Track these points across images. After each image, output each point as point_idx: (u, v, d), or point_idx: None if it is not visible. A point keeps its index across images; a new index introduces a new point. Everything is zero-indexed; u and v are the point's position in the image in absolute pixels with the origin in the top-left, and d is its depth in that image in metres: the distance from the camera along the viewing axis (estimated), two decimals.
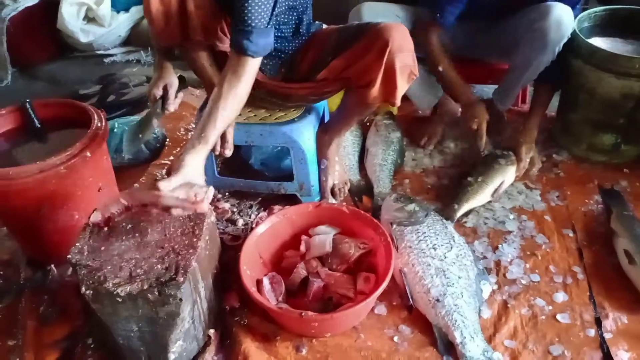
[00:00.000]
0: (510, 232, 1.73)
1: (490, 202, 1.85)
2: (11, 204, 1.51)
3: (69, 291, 1.55)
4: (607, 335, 1.41)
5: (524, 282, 1.57)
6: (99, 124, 1.57)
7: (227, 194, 1.91)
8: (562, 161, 2.04)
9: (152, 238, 1.32)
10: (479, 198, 1.83)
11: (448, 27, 1.87)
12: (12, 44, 2.89)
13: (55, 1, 2.99)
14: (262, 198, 1.89)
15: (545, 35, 1.77)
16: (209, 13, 1.48)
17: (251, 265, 1.50)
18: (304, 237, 1.61)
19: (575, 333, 1.42)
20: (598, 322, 1.44)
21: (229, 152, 1.59)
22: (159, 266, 1.24)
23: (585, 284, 1.55)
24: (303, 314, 1.34)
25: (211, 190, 1.30)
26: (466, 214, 1.80)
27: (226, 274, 1.53)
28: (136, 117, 2.15)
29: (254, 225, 1.72)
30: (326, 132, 1.81)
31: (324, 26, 1.76)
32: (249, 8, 1.33)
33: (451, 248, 1.56)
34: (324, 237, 1.58)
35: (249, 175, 1.90)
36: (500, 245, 1.68)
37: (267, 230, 1.60)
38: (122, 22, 3.13)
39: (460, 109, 2.09)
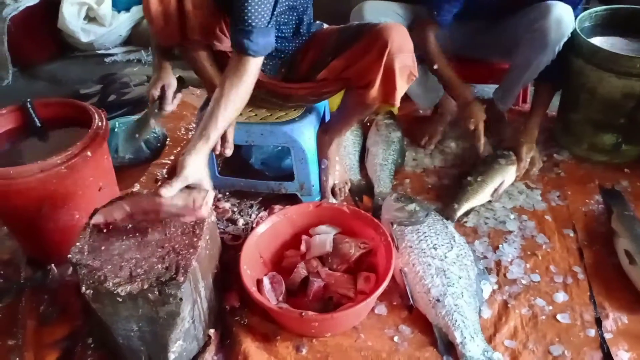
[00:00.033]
0: (510, 232, 1.73)
1: (490, 202, 1.85)
2: (12, 203, 1.51)
3: (69, 291, 1.55)
4: (607, 336, 1.40)
5: (524, 282, 1.56)
6: (100, 124, 1.57)
7: (227, 193, 1.92)
8: (563, 161, 2.04)
9: (152, 237, 1.32)
10: (479, 198, 1.83)
11: (445, 26, 1.87)
12: (13, 44, 2.89)
13: (56, 1, 2.99)
14: (263, 198, 1.89)
15: (545, 35, 1.77)
16: (207, 13, 1.48)
17: (251, 264, 1.50)
18: (304, 237, 1.61)
19: (575, 333, 1.42)
20: (598, 322, 1.44)
21: (229, 152, 1.59)
22: (159, 266, 1.24)
23: (585, 284, 1.55)
24: (303, 313, 1.34)
25: (210, 195, 1.30)
26: (466, 214, 1.80)
27: (226, 273, 1.53)
28: (137, 117, 2.15)
29: (254, 225, 1.72)
30: (326, 132, 1.81)
31: (325, 26, 1.76)
32: (249, 8, 1.33)
33: (452, 248, 1.56)
34: (325, 236, 1.58)
35: (249, 174, 1.90)
36: (500, 245, 1.68)
37: (267, 229, 1.60)
38: (123, 22, 3.13)
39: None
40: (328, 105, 2.01)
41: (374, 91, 1.52)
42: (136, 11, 3.15)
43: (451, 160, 2.09)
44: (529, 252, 1.66)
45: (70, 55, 3.16)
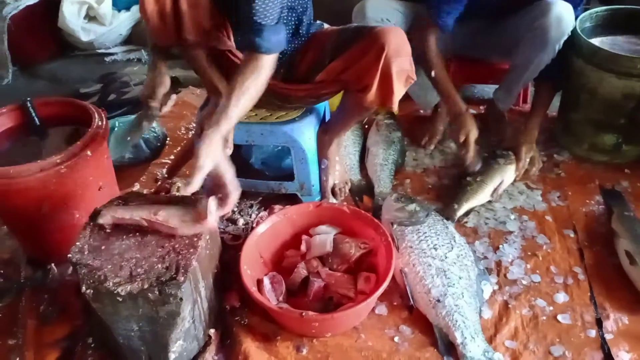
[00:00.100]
0: (511, 232, 1.73)
1: (490, 202, 1.85)
2: (12, 202, 1.51)
3: (70, 290, 1.55)
4: (608, 336, 1.40)
5: (524, 282, 1.56)
6: (100, 123, 1.57)
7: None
8: (563, 161, 2.04)
9: (152, 237, 1.32)
10: (479, 198, 1.83)
11: (447, 30, 1.85)
12: (13, 43, 2.89)
13: (56, 0, 2.99)
14: (263, 197, 1.88)
15: (546, 33, 1.77)
16: (203, 12, 1.47)
17: (252, 264, 1.50)
18: (304, 237, 1.61)
19: (576, 334, 1.42)
20: (599, 323, 1.44)
21: (229, 151, 1.58)
22: (160, 265, 1.24)
23: (586, 285, 1.55)
24: (304, 313, 1.34)
25: (213, 204, 1.30)
26: (467, 214, 1.80)
27: (227, 273, 1.52)
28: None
29: (254, 225, 1.72)
30: (326, 132, 1.81)
31: (326, 26, 1.75)
32: (257, 7, 1.34)
33: (452, 248, 1.56)
34: (325, 236, 1.58)
35: (249, 174, 1.89)
36: (501, 246, 1.68)
37: (267, 229, 1.60)
38: (123, 21, 3.13)
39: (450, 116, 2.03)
40: (328, 105, 2.01)
41: (372, 95, 1.51)
42: (136, 10, 3.14)
43: (451, 160, 2.08)
44: (529, 253, 1.66)
45: (70, 54, 3.16)
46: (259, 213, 1.82)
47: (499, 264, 1.63)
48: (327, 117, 2.00)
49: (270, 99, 1.71)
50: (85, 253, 1.27)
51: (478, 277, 1.53)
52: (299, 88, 1.67)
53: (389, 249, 1.47)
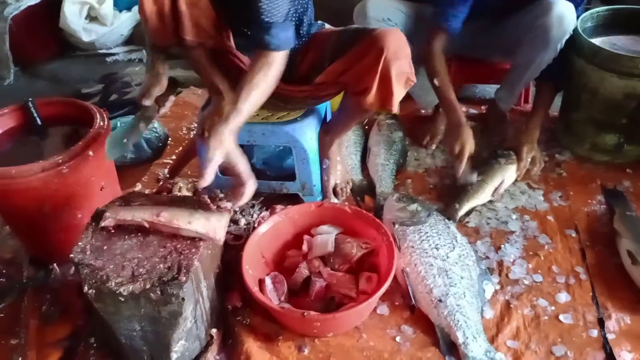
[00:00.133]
0: (512, 232, 1.73)
1: (491, 201, 1.85)
2: (13, 202, 1.51)
3: (72, 290, 1.55)
4: (610, 336, 1.40)
5: (526, 282, 1.56)
6: (101, 123, 1.57)
7: (229, 193, 1.91)
8: (565, 161, 2.04)
9: (154, 237, 1.32)
10: (480, 197, 1.83)
11: (454, 34, 1.83)
12: (14, 43, 2.90)
13: (58, 0, 3.00)
14: (264, 197, 1.88)
15: (547, 32, 1.76)
16: (202, 12, 1.47)
17: (253, 264, 1.50)
18: (306, 237, 1.61)
19: (578, 333, 1.42)
20: (601, 323, 1.44)
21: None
22: (162, 265, 1.24)
23: (588, 285, 1.55)
24: (305, 313, 1.34)
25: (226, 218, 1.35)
26: (468, 214, 1.80)
27: (228, 273, 1.53)
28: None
29: (256, 225, 1.72)
30: (327, 133, 1.81)
31: (327, 26, 1.75)
32: (264, 7, 1.35)
33: (454, 248, 1.56)
34: (326, 236, 1.58)
35: None
36: (502, 246, 1.68)
37: (269, 229, 1.60)
38: (125, 21, 3.13)
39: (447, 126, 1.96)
40: (329, 105, 2.01)
41: (371, 97, 1.50)
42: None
43: (453, 160, 2.08)
44: (531, 253, 1.66)
45: (71, 54, 3.16)
46: (261, 213, 1.81)
47: (500, 263, 1.63)
48: (329, 118, 2.00)
49: (271, 100, 1.71)
50: (87, 253, 1.27)
51: (480, 277, 1.53)
52: (299, 89, 1.66)
53: (391, 249, 1.47)
